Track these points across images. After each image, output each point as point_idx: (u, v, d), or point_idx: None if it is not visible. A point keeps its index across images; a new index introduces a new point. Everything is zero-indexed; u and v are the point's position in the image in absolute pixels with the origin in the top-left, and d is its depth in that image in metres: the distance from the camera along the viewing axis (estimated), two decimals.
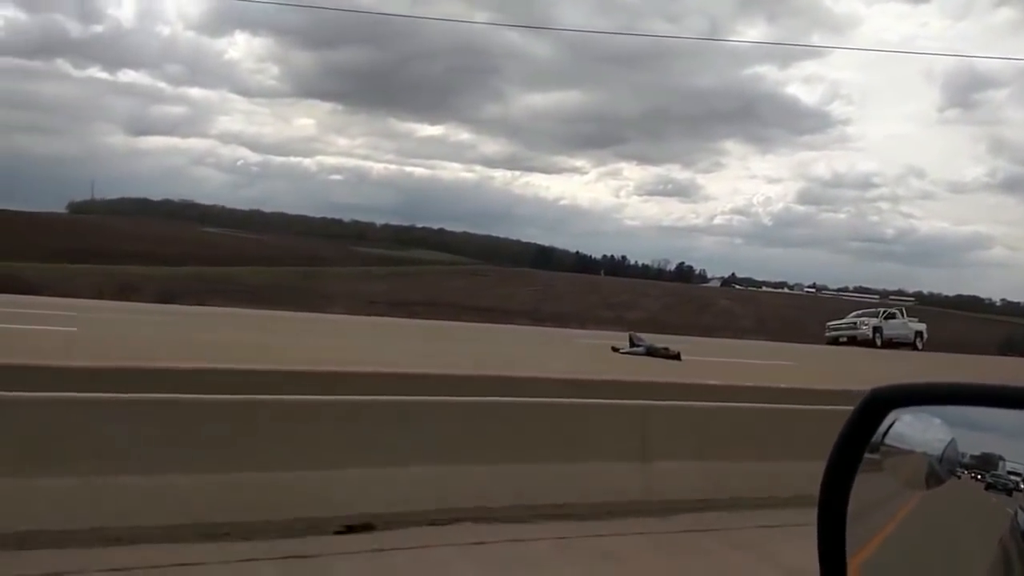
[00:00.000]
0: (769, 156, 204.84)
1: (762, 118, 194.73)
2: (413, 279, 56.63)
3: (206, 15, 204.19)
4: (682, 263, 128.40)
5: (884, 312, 32.39)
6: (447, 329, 19.42)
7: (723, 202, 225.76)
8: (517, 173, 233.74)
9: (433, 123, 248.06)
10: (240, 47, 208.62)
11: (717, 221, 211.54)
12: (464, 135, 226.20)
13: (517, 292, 56.09)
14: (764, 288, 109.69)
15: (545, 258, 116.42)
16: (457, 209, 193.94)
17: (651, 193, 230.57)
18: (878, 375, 12.69)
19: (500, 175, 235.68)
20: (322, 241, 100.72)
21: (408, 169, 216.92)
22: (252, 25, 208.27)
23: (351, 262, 74.70)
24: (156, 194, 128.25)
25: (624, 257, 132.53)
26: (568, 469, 4.50)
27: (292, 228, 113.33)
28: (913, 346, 30.87)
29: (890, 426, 1.02)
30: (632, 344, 12.51)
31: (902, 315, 32.71)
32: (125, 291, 20.83)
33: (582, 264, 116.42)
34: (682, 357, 11.79)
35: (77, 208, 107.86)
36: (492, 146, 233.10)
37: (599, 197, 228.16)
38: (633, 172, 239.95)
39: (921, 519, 1.03)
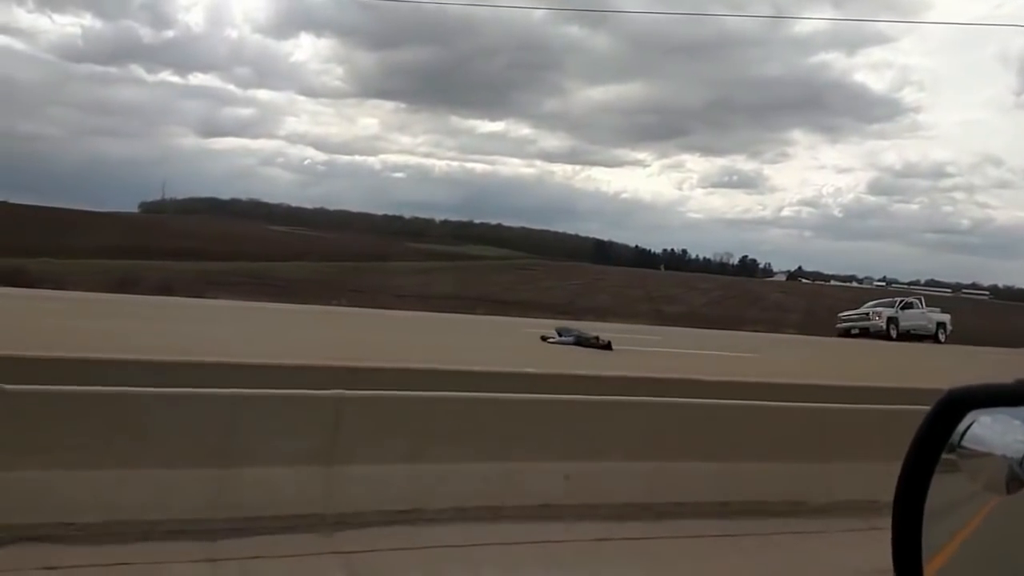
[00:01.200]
0: (838, 145, 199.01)
1: (830, 106, 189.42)
2: (455, 274, 57.02)
3: (272, 18, 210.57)
4: (745, 257, 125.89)
5: (901, 302, 30.51)
6: (440, 321, 19.56)
7: (791, 193, 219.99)
8: (578, 167, 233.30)
9: (493, 119, 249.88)
10: (305, 49, 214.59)
11: (785, 213, 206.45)
12: (524, 130, 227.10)
13: (559, 286, 55.93)
14: (832, 282, 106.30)
15: (603, 253, 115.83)
16: (516, 204, 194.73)
17: (716, 185, 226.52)
18: (817, 366, 12.30)
19: (560, 169, 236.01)
20: (381, 237, 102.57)
21: (469, 165, 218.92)
22: (316, 27, 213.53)
23: (406, 258, 75.78)
24: (225, 193, 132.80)
25: (685, 251, 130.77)
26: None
27: (354, 225, 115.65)
28: (934, 338, 28.99)
29: (968, 427, 0.99)
30: (560, 334, 12.35)
31: (921, 305, 30.66)
32: (125, 284, 21.67)
33: (641, 259, 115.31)
34: (613, 347, 11.60)
35: (148, 208, 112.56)
36: (552, 141, 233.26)
37: (661, 190, 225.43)
38: (697, 164, 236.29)
39: (1000, 523, 1.00)
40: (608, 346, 11.48)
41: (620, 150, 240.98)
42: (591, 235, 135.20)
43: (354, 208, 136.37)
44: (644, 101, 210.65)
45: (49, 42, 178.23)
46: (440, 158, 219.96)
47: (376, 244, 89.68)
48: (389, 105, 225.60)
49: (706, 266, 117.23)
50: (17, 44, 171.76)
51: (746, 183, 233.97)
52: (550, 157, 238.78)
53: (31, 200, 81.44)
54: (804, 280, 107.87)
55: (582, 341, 11.71)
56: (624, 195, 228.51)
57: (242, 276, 38.28)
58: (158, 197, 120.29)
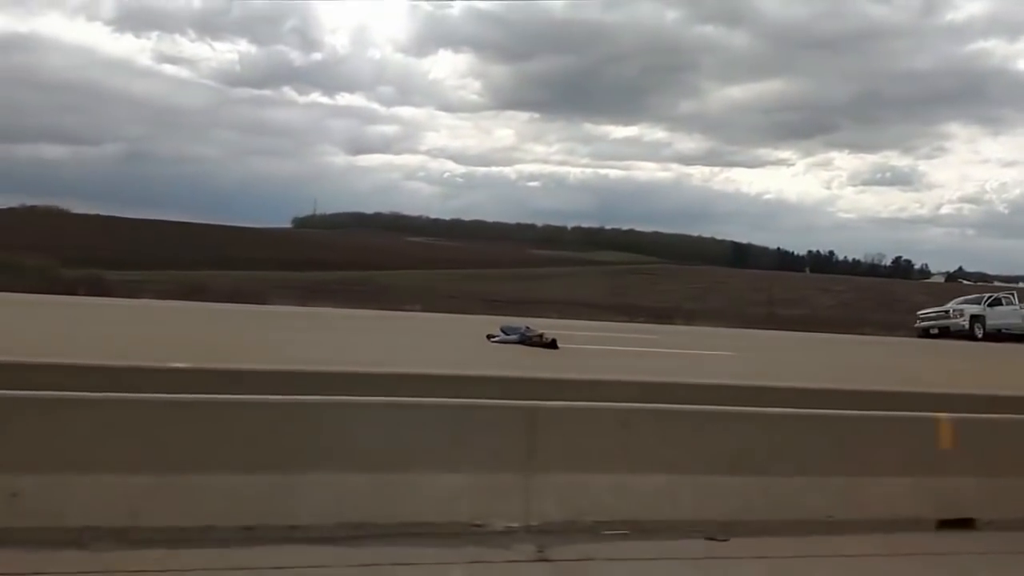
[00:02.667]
0: (1001, 138, 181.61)
1: (991, 97, 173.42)
2: (565, 278, 57.17)
3: (412, 37, 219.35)
4: (899, 258, 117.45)
5: (990, 298, 27.30)
6: (443, 322, 19.92)
7: (950, 190, 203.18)
8: (716, 169, 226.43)
9: (627, 124, 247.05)
10: (443, 66, 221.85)
11: (944, 211, 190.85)
12: (659, 134, 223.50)
13: (673, 290, 54.77)
14: (996, 283, 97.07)
15: (741, 256, 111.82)
16: (651, 209, 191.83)
17: (867, 183, 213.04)
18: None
19: (698, 172, 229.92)
20: (510, 245, 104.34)
21: (603, 171, 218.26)
22: (453, 43, 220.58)
23: (530, 263, 76.82)
24: (370, 208, 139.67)
25: (832, 253, 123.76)
26: None
27: (488, 234, 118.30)
28: None
29: None
30: (506, 332, 12.24)
31: (1014, 300, 27.08)
32: (196, 292, 23.46)
33: (784, 261, 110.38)
34: (559, 345, 11.39)
35: (301, 223, 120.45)
36: (688, 143, 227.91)
37: (808, 190, 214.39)
38: (845, 161, 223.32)
39: None
40: (553, 344, 11.32)
41: (761, 150, 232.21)
42: (730, 238, 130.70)
43: (490, 218, 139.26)
44: (785, 98, 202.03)
45: (210, 68, 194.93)
46: (574, 165, 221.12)
47: (504, 252, 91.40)
48: (524, 116, 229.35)
49: (854, 268, 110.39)
50: (183, 72, 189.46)
51: (900, 180, 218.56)
52: (687, 160, 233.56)
53: (197, 218, 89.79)
54: (965, 281, 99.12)
55: (526, 339, 11.63)
56: (767, 196, 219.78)
57: (345, 284, 40.32)
58: (310, 213, 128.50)
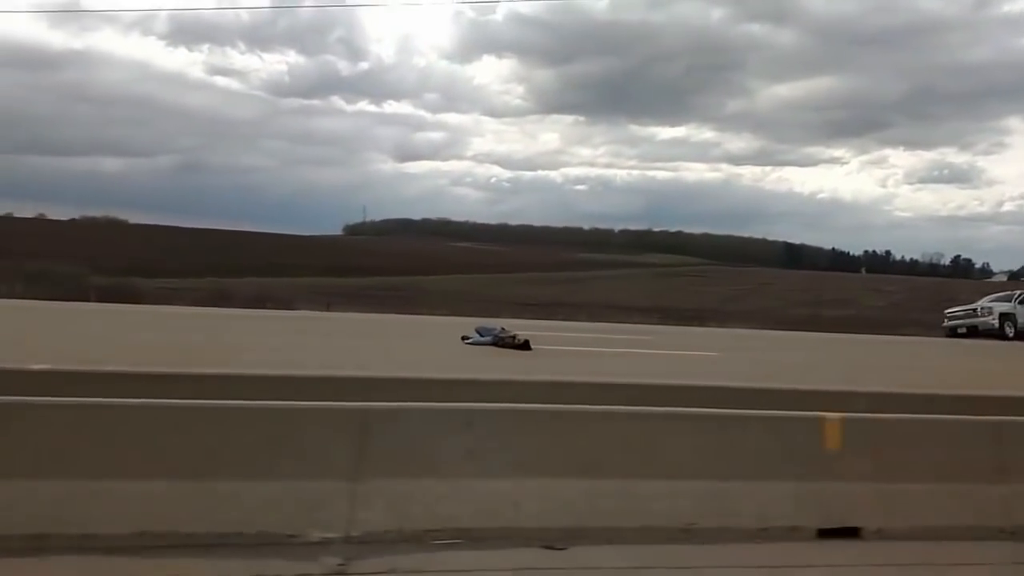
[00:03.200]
0: None
1: None
2: (606, 283, 56.62)
3: (456, 44, 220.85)
4: (958, 257, 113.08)
5: (1020, 295, 25.24)
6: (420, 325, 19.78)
7: (1012, 186, 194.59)
8: (767, 169, 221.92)
9: (674, 125, 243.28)
10: (488, 71, 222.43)
11: (1006, 208, 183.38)
12: (707, 134, 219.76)
13: (717, 292, 53.77)
14: None
15: (794, 256, 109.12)
16: (700, 210, 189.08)
17: (924, 180, 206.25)
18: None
19: (748, 172, 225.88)
20: (558, 248, 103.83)
21: (650, 173, 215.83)
22: (497, 48, 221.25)
23: (576, 267, 76.34)
24: (418, 214, 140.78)
25: (888, 252, 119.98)
26: None
27: (534, 239, 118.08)
28: None
29: None
30: (481, 334, 11.97)
31: None
32: (222, 299, 23.77)
33: (838, 262, 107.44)
34: (532, 346, 11.09)
35: (351, 230, 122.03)
36: (737, 143, 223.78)
37: (863, 188, 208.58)
38: (901, 159, 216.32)
39: None
40: (525, 346, 11.05)
41: (813, 148, 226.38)
42: (783, 239, 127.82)
43: (536, 222, 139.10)
44: (836, 95, 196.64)
45: (260, 79, 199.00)
46: (621, 167, 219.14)
47: (549, 255, 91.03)
48: (568, 119, 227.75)
49: (913, 268, 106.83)
50: (234, 84, 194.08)
51: (959, 177, 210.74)
52: (736, 159, 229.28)
53: (251, 227, 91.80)
54: None
55: (499, 341, 11.37)
56: (821, 195, 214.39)
57: (385, 289, 40.61)
58: (360, 220, 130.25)
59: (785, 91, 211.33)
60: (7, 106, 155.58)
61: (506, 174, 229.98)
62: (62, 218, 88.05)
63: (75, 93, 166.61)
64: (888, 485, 4.10)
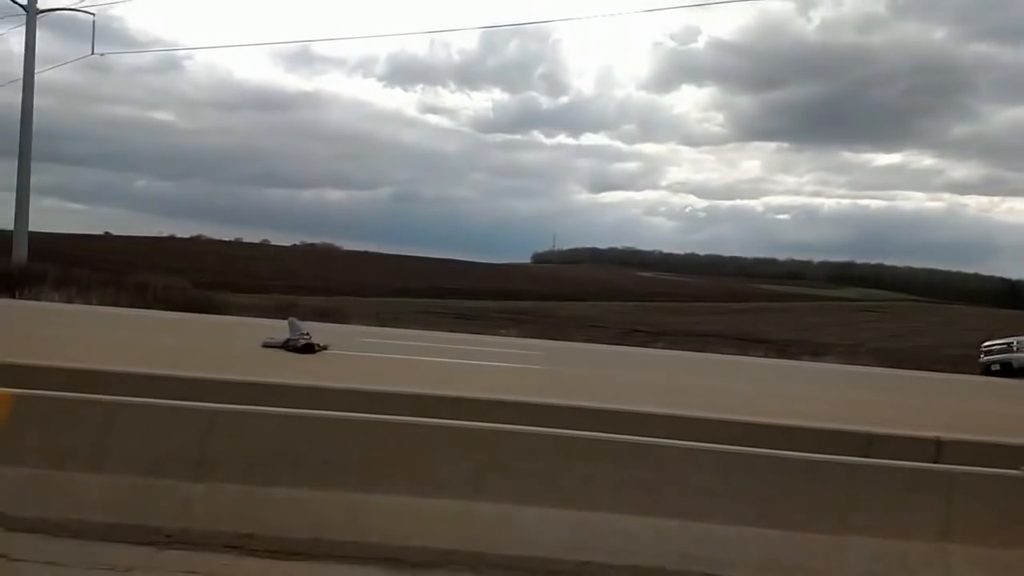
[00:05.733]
0: None
1: None
2: (769, 315, 54.66)
3: (655, 74, 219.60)
4: None
5: None
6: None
7: None
8: (996, 199, 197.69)
9: (889, 151, 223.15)
10: (686, 100, 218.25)
11: None
12: (927, 161, 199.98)
13: (880, 327, 50.23)
14: None
15: (1012, 294, 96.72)
16: (916, 242, 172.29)
17: None
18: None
19: (974, 201, 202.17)
20: (747, 279, 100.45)
21: (862, 202, 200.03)
22: (697, 77, 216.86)
23: (754, 299, 73.99)
24: (608, 243, 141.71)
25: None
26: None
27: (724, 270, 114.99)
28: None
29: None
30: (291, 334, 11.45)
31: None
32: (282, 311, 26.55)
33: None
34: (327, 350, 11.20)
35: (539, 258, 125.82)
36: (962, 170, 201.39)
37: None
38: None
39: None
40: (308, 349, 10.96)
41: None
42: (1009, 275, 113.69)
43: (732, 252, 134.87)
44: None
45: (467, 117, 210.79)
46: (829, 196, 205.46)
47: (727, 285, 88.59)
48: (771, 146, 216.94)
49: None
50: (445, 121, 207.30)
51: None
52: (960, 188, 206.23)
53: (451, 254, 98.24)
54: None
55: (288, 344, 11.14)
56: None
57: (509, 312, 42.60)
58: (549, 248, 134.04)
59: (1019, 115, 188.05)
60: (246, 144, 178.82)
61: (702, 203, 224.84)
62: (284, 243, 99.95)
63: (305, 131, 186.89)
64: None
